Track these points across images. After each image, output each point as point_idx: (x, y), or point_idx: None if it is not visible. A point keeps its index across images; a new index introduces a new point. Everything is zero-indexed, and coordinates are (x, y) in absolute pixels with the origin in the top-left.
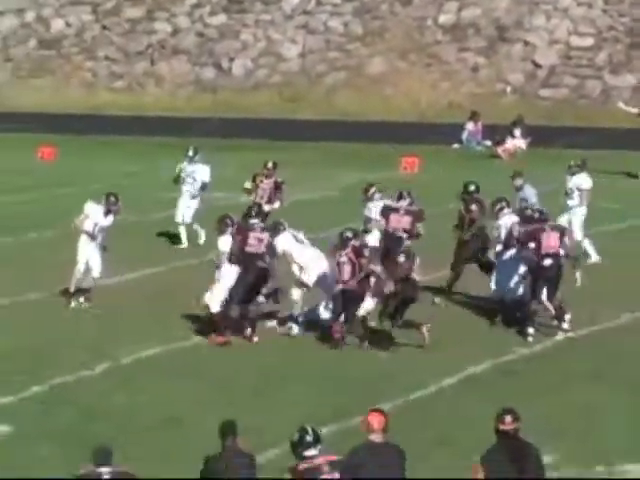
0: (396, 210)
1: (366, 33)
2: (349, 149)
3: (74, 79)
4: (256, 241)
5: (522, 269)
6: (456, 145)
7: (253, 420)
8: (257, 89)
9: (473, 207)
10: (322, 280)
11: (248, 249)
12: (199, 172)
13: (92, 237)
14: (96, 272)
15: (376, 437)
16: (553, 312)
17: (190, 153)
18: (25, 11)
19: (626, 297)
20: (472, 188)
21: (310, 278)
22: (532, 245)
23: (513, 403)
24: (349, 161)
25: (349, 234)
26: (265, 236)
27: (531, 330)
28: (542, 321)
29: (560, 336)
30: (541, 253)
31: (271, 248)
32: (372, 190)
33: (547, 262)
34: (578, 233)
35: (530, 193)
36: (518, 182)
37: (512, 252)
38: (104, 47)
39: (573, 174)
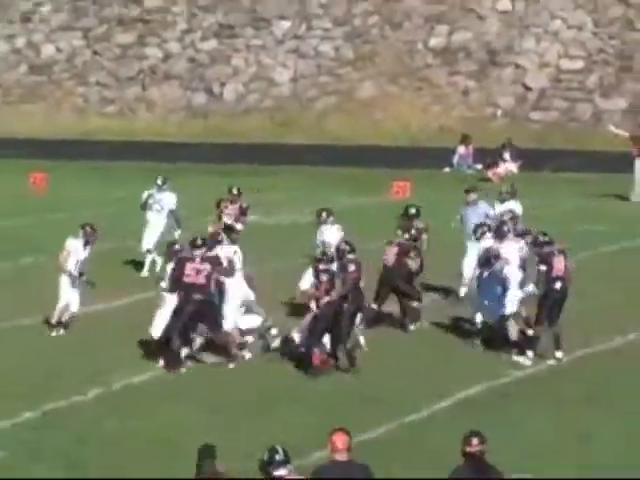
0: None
1: (357, 57)
2: (340, 173)
3: (65, 104)
4: (193, 272)
5: (522, 290)
6: (447, 169)
7: (244, 443)
8: (248, 114)
9: (405, 235)
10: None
11: (185, 279)
12: (166, 200)
13: (73, 278)
14: (74, 307)
15: (340, 456)
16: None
17: (159, 181)
18: (15, 37)
19: (618, 319)
20: (412, 212)
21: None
22: (543, 268)
23: (506, 426)
24: (340, 185)
25: (318, 256)
26: (205, 267)
27: (531, 354)
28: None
29: (553, 361)
30: (552, 276)
31: (212, 279)
32: (324, 215)
33: (558, 285)
34: None
35: (486, 208)
36: (472, 197)
37: (489, 272)
38: (95, 72)
39: (503, 201)
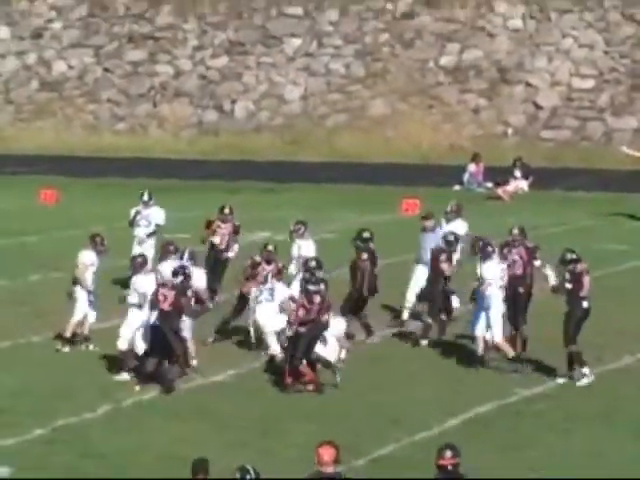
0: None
1: (367, 75)
2: (350, 191)
3: (76, 121)
4: (162, 297)
5: (501, 307)
6: (457, 187)
7: (255, 461)
8: (259, 131)
9: (363, 256)
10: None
11: (158, 304)
12: (154, 215)
13: (91, 291)
14: (92, 319)
15: (326, 469)
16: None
17: (145, 197)
18: (27, 53)
19: (628, 338)
20: (366, 235)
21: None
22: (569, 286)
23: (516, 444)
24: (350, 203)
25: (306, 277)
26: (170, 294)
27: (587, 370)
28: (543, 362)
29: (561, 379)
30: (580, 295)
31: (179, 307)
32: (302, 228)
33: (585, 304)
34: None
35: (440, 235)
36: (429, 224)
37: (486, 292)
38: (106, 89)
39: (449, 220)
